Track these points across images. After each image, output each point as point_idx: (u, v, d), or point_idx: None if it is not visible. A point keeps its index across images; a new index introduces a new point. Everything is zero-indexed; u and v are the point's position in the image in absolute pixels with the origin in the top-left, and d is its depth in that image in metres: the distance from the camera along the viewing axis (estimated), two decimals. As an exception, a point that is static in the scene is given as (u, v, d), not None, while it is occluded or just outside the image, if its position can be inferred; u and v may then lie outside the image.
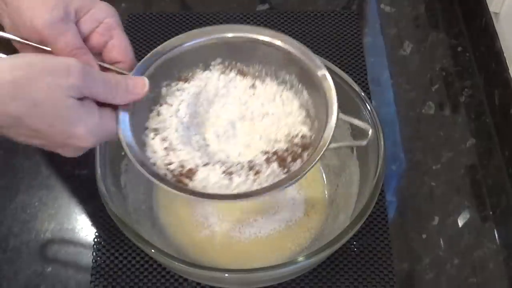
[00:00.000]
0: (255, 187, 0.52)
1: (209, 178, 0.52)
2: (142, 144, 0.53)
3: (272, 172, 0.52)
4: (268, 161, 0.53)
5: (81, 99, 0.46)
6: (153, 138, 0.53)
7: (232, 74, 0.57)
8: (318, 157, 0.51)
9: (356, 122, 0.55)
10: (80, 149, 0.48)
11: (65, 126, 0.45)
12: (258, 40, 0.56)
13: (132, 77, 0.51)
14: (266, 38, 0.56)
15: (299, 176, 0.51)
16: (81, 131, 0.46)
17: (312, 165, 0.51)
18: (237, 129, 0.56)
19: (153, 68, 0.54)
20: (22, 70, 0.44)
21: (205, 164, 0.53)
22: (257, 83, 0.57)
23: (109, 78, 0.48)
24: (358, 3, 0.89)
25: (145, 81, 0.50)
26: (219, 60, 0.57)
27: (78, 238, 0.67)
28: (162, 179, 0.51)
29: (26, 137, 0.46)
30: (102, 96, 0.47)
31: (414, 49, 0.84)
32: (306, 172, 0.51)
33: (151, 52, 0.55)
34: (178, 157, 0.53)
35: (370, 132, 0.55)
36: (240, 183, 0.52)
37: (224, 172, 0.52)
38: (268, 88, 0.57)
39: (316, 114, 0.55)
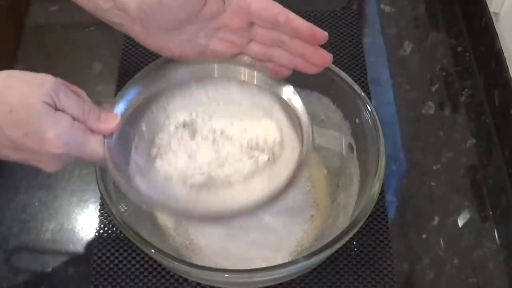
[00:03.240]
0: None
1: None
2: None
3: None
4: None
5: (55, 109, 0.48)
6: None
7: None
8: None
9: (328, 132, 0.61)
10: (54, 157, 0.50)
11: (37, 130, 0.48)
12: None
13: (107, 110, 0.54)
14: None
15: (287, 188, 0.53)
16: (50, 134, 0.48)
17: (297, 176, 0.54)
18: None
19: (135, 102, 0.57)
20: (0, 81, 0.48)
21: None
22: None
23: (82, 101, 0.51)
24: (358, 3, 0.89)
25: (117, 117, 0.53)
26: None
27: (78, 238, 0.66)
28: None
29: (7, 149, 0.49)
30: (75, 112, 0.50)
31: (414, 49, 0.84)
32: (292, 183, 0.53)
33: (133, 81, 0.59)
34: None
35: (342, 138, 0.61)
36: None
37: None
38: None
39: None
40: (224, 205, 0.55)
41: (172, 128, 0.59)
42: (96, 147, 0.51)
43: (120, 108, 0.55)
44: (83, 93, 0.52)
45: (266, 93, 0.59)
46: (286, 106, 0.58)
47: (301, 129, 0.56)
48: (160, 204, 0.54)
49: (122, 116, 0.54)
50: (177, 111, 0.59)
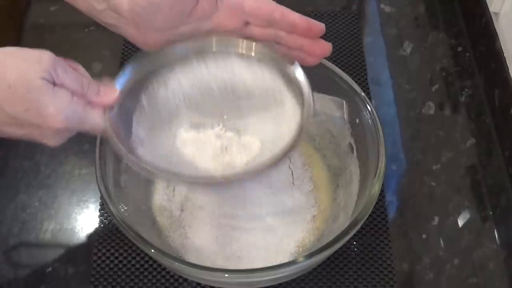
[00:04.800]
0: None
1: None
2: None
3: None
4: None
5: (53, 85, 0.49)
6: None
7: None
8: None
9: (328, 97, 0.61)
10: (56, 132, 0.50)
11: (37, 106, 0.48)
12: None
13: (106, 84, 0.54)
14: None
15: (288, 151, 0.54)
16: (50, 110, 0.48)
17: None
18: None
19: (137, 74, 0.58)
20: None
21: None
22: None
23: (81, 75, 0.51)
24: (358, 3, 0.89)
25: (116, 90, 0.54)
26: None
27: (78, 238, 0.66)
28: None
29: (9, 126, 0.50)
30: (74, 86, 0.50)
31: (414, 49, 0.84)
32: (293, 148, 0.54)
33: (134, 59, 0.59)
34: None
35: (344, 104, 0.62)
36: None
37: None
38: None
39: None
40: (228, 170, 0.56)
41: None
42: (96, 120, 0.52)
43: (120, 82, 0.56)
44: (81, 68, 0.53)
45: (266, 64, 0.59)
46: (286, 75, 0.58)
47: (302, 95, 0.56)
48: (162, 170, 0.54)
49: (123, 89, 0.55)
50: (178, 87, 0.60)
